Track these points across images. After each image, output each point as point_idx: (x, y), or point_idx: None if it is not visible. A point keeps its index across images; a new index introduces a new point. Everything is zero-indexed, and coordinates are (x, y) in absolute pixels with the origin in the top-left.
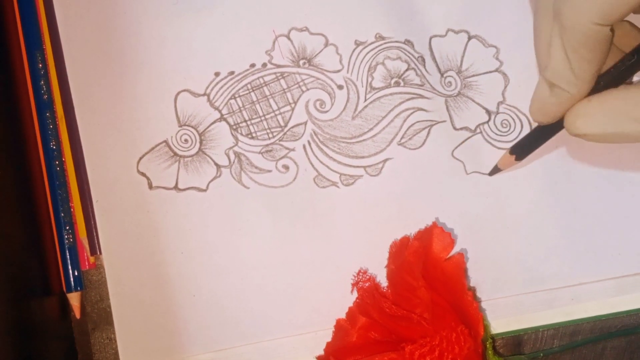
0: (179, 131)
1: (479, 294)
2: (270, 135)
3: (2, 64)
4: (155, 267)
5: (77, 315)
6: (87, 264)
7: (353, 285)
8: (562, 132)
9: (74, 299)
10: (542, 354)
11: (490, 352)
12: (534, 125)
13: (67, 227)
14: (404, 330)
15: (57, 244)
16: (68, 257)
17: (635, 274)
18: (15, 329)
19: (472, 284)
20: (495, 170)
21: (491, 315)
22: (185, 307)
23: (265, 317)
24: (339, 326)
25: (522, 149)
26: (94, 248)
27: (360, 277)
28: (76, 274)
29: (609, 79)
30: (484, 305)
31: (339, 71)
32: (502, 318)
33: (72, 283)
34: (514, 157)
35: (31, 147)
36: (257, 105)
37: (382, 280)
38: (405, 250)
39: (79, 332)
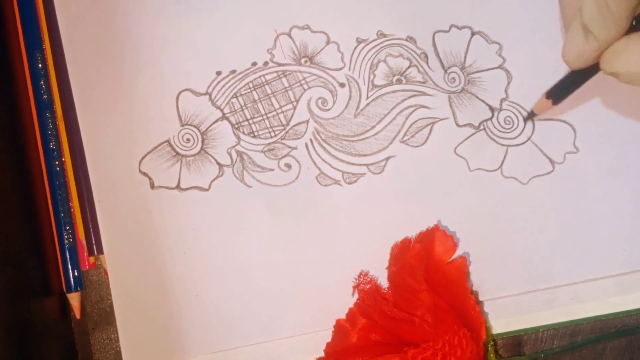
0: (180, 130)
1: (483, 292)
2: (272, 134)
3: (2, 64)
4: (157, 267)
5: (77, 315)
6: (87, 264)
7: (354, 287)
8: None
9: (74, 299)
10: (542, 355)
11: (492, 355)
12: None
13: (67, 227)
14: (405, 333)
15: (57, 244)
16: (68, 257)
17: (638, 270)
18: (15, 329)
19: (475, 282)
20: (531, 115)
21: (491, 315)
22: (189, 307)
23: (268, 317)
24: (339, 326)
25: (559, 93)
26: (92, 248)
27: (362, 279)
28: (76, 274)
29: None
30: (484, 305)
31: (340, 69)
32: (502, 318)
33: (72, 283)
34: (550, 101)
35: (31, 147)
36: (259, 104)
37: (384, 280)
38: (407, 253)
39: (79, 332)
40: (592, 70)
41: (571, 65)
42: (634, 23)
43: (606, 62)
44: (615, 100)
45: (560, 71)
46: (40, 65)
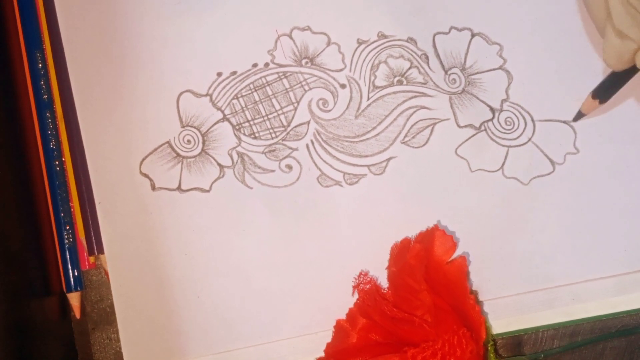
0: (181, 132)
1: (484, 292)
2: (273, 135)
3: (2, 64)
4: (158, 268)
5: (77, 315)
6: (87, 264)
7: (354, 287)
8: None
9: (74, 299)
10: (542, 355)
11: (492, 354)
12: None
13: (67, 227)
14: (405, 333)
15: (57, 244)
16: (68, 257)
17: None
18: (15, 329)
19: (476, 282)
20: (579, 115)
21: (491, 315)
22: (189, 308)
23: (268, 318)
24: (339, 327)
25: (605, 93)
26: (92, 248)
27: (361, 279)
28: (76, 274)
29: None
30: (484, 305)
31: (341, 70)
32: (502, 318)
33: (72, 283)
34: (597, 101)
35: (31, 147)
36: (260, 105)
37: (384, 279)
38: (407, 253)
39: (79, 332)
40: (633, 68)
41: (614, 68)
42: None
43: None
44: (616, 100)
45: (561, 71)
46: (40, 65)
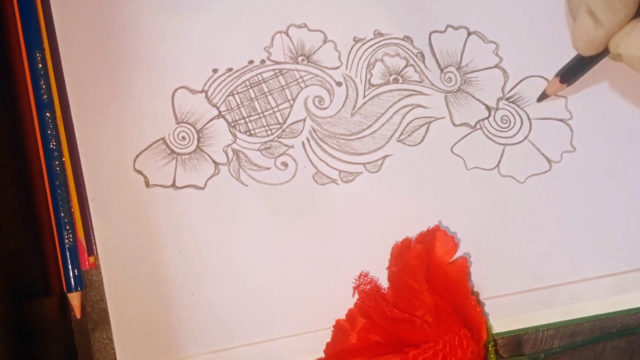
0: (176, 128)
1: (480, 291)
2: (269, 132)
3: (2, 64)
4: (152, 266)
5: (77, 315)
6: (87, 264)
7: (354, 288)
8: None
9: (74, 298)
10: (542, 355)
11: (492, 355)
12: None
13: (67, 227)
14: (405, 334)
15: (57, 244)
16: (68, 257)
17: (637, 269)
18: (15, 329)
19: (473, 281)
20: (543, 96)
21: (491, 315)
22: (184, 306)
23: (264, 317)
24: (339, 326)
25: (571, 75)
26: (92, 248)
27: (362, 280)
28: (76, 273)
29: None
30: (484, 305)
31: (337, 68)
32: (502, 318)
33: (72, 283)
34: (565, 84)
35: (31, 147)
36: (256, 102)
37: (383, 279)
38: (408, 253)
39: (79, 332)
40: (602, 54)
41: (583, 53)
42: None
43: (613, 43)
44: (613, 99)
45: (557, 70)
46: (40, 65)
